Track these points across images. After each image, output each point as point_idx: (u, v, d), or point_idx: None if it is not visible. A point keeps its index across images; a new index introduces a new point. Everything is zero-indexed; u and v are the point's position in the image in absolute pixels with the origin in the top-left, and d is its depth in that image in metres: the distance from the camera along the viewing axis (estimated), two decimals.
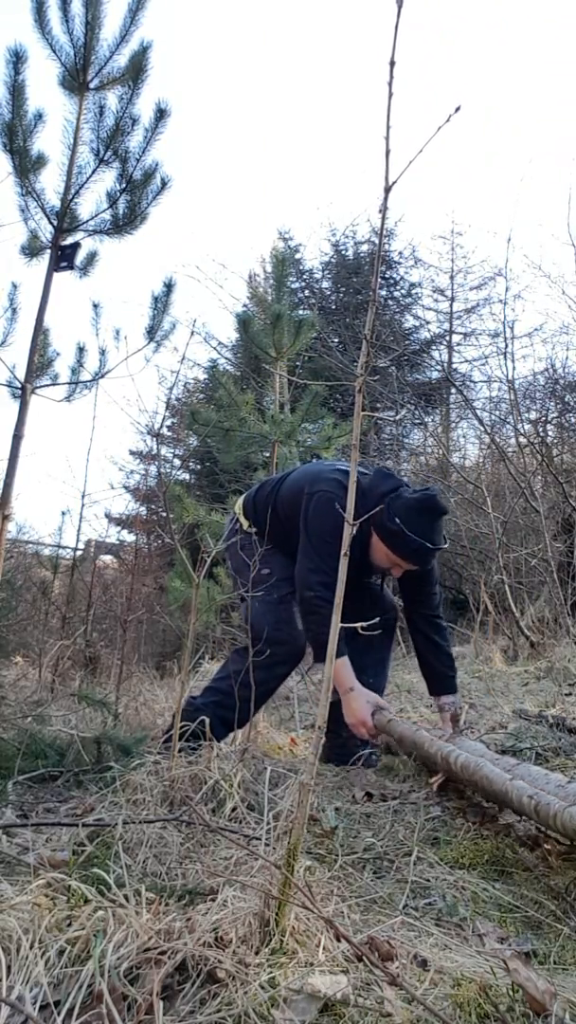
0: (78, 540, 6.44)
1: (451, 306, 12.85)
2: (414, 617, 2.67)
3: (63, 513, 7.26)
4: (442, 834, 1.73)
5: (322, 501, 2.40)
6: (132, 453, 12.63)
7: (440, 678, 2.60)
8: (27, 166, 2.63)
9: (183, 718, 2.41)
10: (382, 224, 1.20)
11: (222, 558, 3.00)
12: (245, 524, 2.67)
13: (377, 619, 2.16)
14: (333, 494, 2.38)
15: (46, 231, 2.73)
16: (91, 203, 2.75)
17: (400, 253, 12.79)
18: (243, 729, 2.53)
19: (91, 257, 2.86)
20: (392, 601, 2.95)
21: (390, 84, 1.09)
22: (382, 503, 2.37)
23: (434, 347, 12.90)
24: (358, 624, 1.21)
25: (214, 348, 12.45)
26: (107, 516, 11.20)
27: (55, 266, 2.69)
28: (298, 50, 22.64)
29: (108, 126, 2.69)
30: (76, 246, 2.73)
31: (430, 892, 1.40)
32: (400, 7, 1.06)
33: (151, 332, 2.85)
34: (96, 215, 2.75)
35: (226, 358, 12.20)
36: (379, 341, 10.81)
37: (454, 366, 12.46)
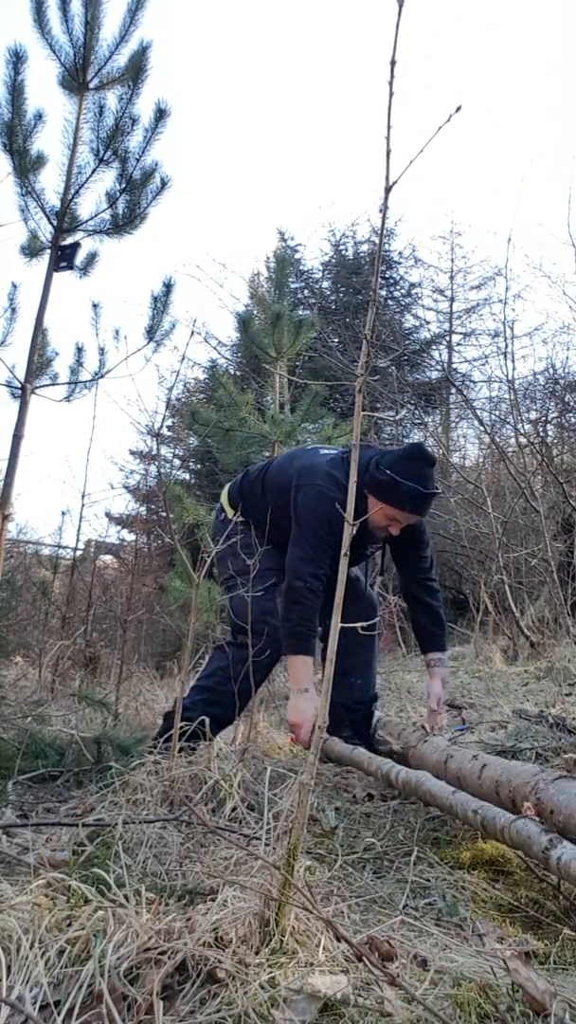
0: (78, 540, 6.44)
1: (451, 306, 12.86)
2: (407, 580, 2.69)
3: (63, 513, 7.27)
4: (442, 834, 1.73)
5: (312, 494, 2.40)
6: (132, 453, 12.63)
7: (429, 636, 2.64)
8: (27, 166, 2.63)
9: (173, 720, 2.42)
10: (382, 224, 1.19)
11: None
12: (230, 513, 2.66)
13: (376, 620, 2.17)
14: (324, 487, 2.39)
15: (46, 231, 2.73)
16: (91, 203, 2.75)
17: (400, 253, 12.80)
18: (243, 729, 2.54)
19: (91, 257, 2.86)
20: (374, 600, 2.96)
21: (391, 84, 1.08)
22: (368, 467, 2.40)
23: (434, 347, 12.91)
24: (357, 624, 1.21)
25: (214, 348, 12.45)
26: (107, 516, 11.20)
27: (55, 266, 2.69)
28: (298, 50, 22.66)
29: (108, 126, 2.69)
30: (76, 246, 2.73)
31: (430, 892, 1.40)
32: (400, 7, 1.06)
33: (151, 332, 2.85)
34: (96, 215, 2.75)
35: (226, 358, 12.20)
36: (379, 341, 10.82)
37: (454, 366, 12.47)
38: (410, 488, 2.35)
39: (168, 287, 2.89)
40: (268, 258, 12.92)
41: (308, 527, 2.39)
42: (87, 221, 2.76)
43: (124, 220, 2.76)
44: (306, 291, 12.92)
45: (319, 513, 2.36)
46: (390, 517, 2.43)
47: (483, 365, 12.11)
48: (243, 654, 2.33)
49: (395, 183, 1.09)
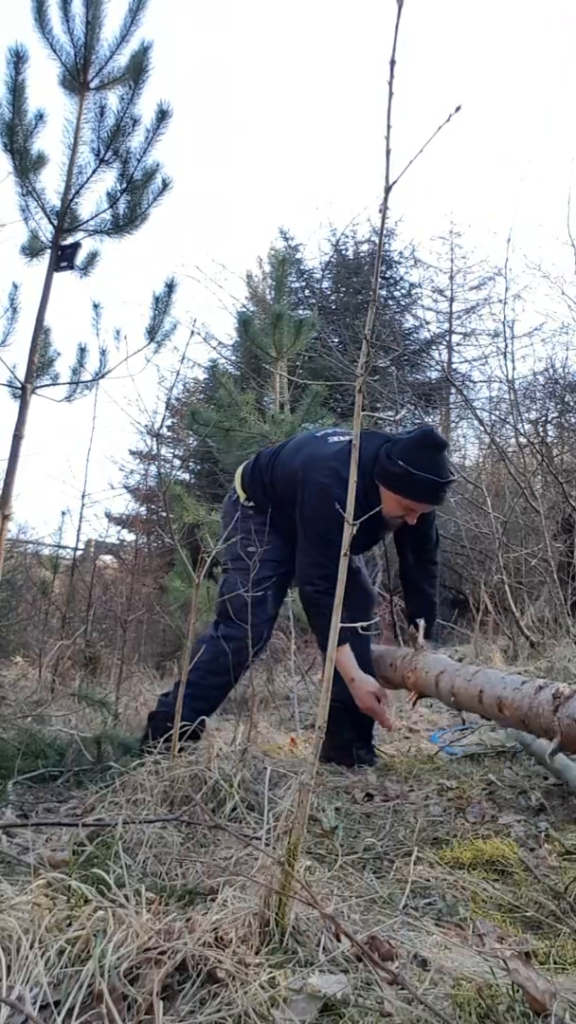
0: (78, 540, 6.43)
1: (451, 306, 12.86)
2: (408, 564, 2.67)
3: (63, 513, 7.27)
4: (442, 834, 1.73)
5: (317, 494, 2.34)
6: (132, 453, 12.63)
7: (417, 617, 2.65)
8: (27, 166, 2.63)
9: (158, 717, 2.41)
10: (382, 224, 1.19)
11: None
12: (242, 496, 2.62)
13: (376, 619, 2.17)
14: (327, 484, 2.31)
15: (46, 231, 2.73)
16: (91, 203, 2.76)
17: (400, 253, 12.80)
18: (243, 729, 2.53)
19: (91, 257, 2.86)
20: (373, 594, 2.95)
21: (390, 84, 1.08)
22: (378, 457, 2.36)
23: (434, 347, 12.91)
24: (357, 624, 1.21)
25: (214, 348, 12.46)
26: (107, 516, 11.20)
27: (55, 266, 2.70)
28: (298, 50, 22.65)
29: (109, 126, 2.69)
30: (76, 246, 2.73)
31: (430, 892, 1.40)
32: (400, 7, 1.06)
33: (151, 332, 2.86)
34: (96, 215, 2.75)
35: (226, 358, 12.20)
36: (379, 341, 10.81)
37: (454, 366, 12.47)
38: (425, 479, 2.29)
39: (169, 287, 2.89)
40: (262, 260, 12.94)
41: (313, 530, 2.36)
42: (88, 221, 2.76)
43: (125, 220, 2.76)
44: (306, 291, 12.92)
45: (323, 514, 2.30)
46: (405, 507, 2.40)
47: (483, 365, 12.11)
48: (224, 646, 2.33)
49: (395, 183, 1.09)
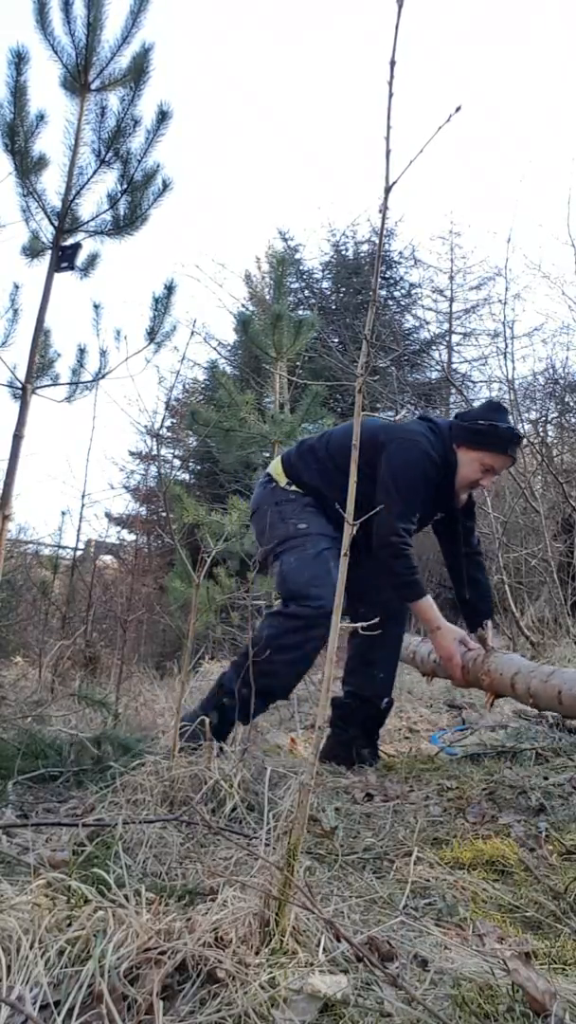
0: (78, 540, 6.45)
1: (451, 306, 12.87)
2: (456, 555, 2.70)
3: (63, 513, 7.28)
4: (442, 834, 1.73)
5: (410, 448, 2.42)
6: (132, 453, 12.64)
7: (477, 614, 2.67)
8: (28, 167, 2.63)
9: (220, 698, 2.36)
10: (382, 224, 1.20)
11: (249, 527, 2.91)
12: (283, 482, 2.58)
13: (375, 620, 2.15)
14: (423, 444, 2.42)
15: (47, 232, 2.73)
16: (92, 204, 2.76)
17: (400, 253, 12.81)
18: (243, 729, 2.53)
19: (92, 258, 2.87)
20: None
21: (390, 84, 1.09)
22: (452, 426, 2.51)
23: (434, 347, 12.92)
24: (357, 624, 1.21)
25: (214, 348, 12.46)
26: (107, 516, 11.21)
27: (56, 267, 2.70)
28: (299, 50, 22.65)
29: (109, 127, 2.70)
30: (77, 247, 2.74)
31: (430, 892, 1.40)
32: (400, 7, 1.06)
33: (152, 333, 2.86)
34: (97, 216, 2.75)
35: (226, 358, 12.20)
36: (379, 341, 10.82)
37: (454, 366, 12.47)
38: (507, 431, 2.46)
39: (169, 289, 2.89)
40: (262, 260, 12.93)
41: (405, 481, 2.39)
42: (88, 222, 2.76)
43: (125, 221, 2.76)
44: (306, 291, 12.92)
45: (419, 469, 2.40)
46: (486, 467, 2.49)
47: (483, 365, 12.12)
48: (291, 623, 2.28)
49: (395, 183, 1.09)
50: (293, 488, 2.55)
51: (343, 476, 2.44)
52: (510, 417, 2.57)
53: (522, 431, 2.78)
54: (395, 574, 2.39)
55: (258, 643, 2.32)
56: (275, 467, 2.66)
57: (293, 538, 2.39)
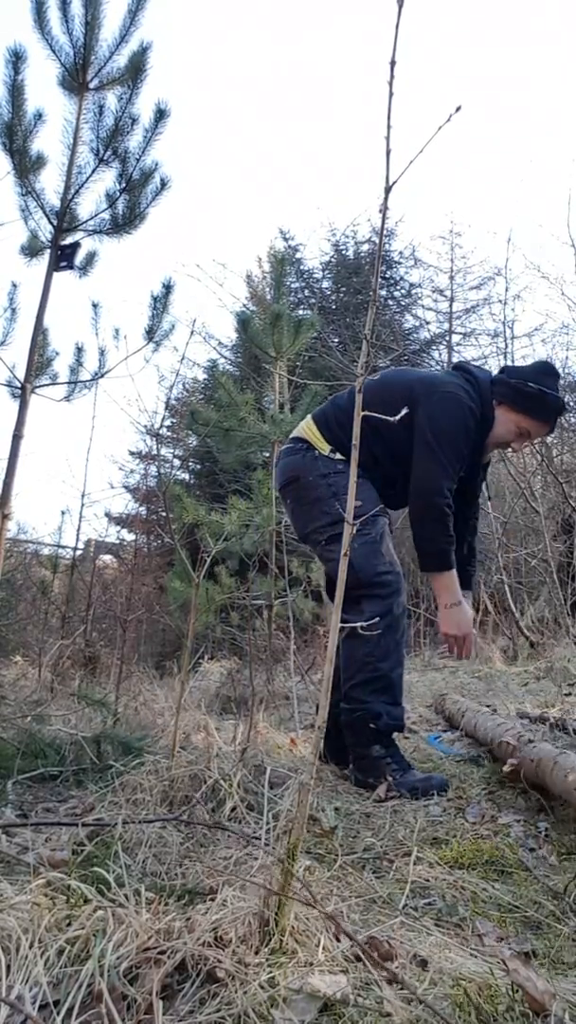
0: (78, 540, 6.45)
1: (451, 306, 12.85)
2: (461, 520, 2.49)
3: (63, 513, 7.28)
4: (442, 834, 1.73)
5: (451, 400, 2.25)
6: (132, 453, 12.64)
7: (465, 575, 2.50)
8: (27, 166, 2.63)
9: (369, 726, 2.18)
10: (382, 224, 1.20)
11: (284, 497, 2.54)
12: (326, 449, 2.34)
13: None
14: (461, 395, 2.26)
15: (46, 231, 2.73)
16: (91, 203, 2.76)
17: (400, 253, 12.81)
18: (243, 729, 2.52)
19: (91, 257, 2.87)
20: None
21: (390, 84, 1.08)
22: (496, 380, 2.35)
23: (434, 347, 12.91)
24: (358, 624, 1.21)
25: (214, 348, 12.46)
26: (107, 516, 11.21)
27: (55, 266, 2.70)
28: (299, 50, 22.65)
29: (108, 126, 2.70)
30: (76, 246, 2.74)
31: (430, 892, 1.40)
32: (400, 7, 1.06)
33: (150, 332, 2.86)
34: (96, 215, 2.75)
35: (226, 358, 12.20)
36: (379, 341, 10.82)
37: None
38: (556, 400, 2.33)
39: (168, 288, 2.89)
40: (262, 260, 12.93)
41: (447, 436, 2.23)
42: (87, 221, 2.76)
43: (124, 220, 2.76)
44: (306, 291, 12.92)
45: (459, 422, 2.24)
46: (523, 431, 2.36)
47: (483, 365, 12.10)
48: (385, 621, 2.17)
49: (395, 183, 1.09)
50: (339, 456, 2.32)
51: (379, 440, 2.26)
52: (560, 383, 2.39)
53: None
54: (429, 539, 2.23)
55: (355, 664, 2.21)
56: (310, 431, 2.40)
57: (353, 518, 2.30)
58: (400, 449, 2.29)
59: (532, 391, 2.31)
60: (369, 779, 2.14)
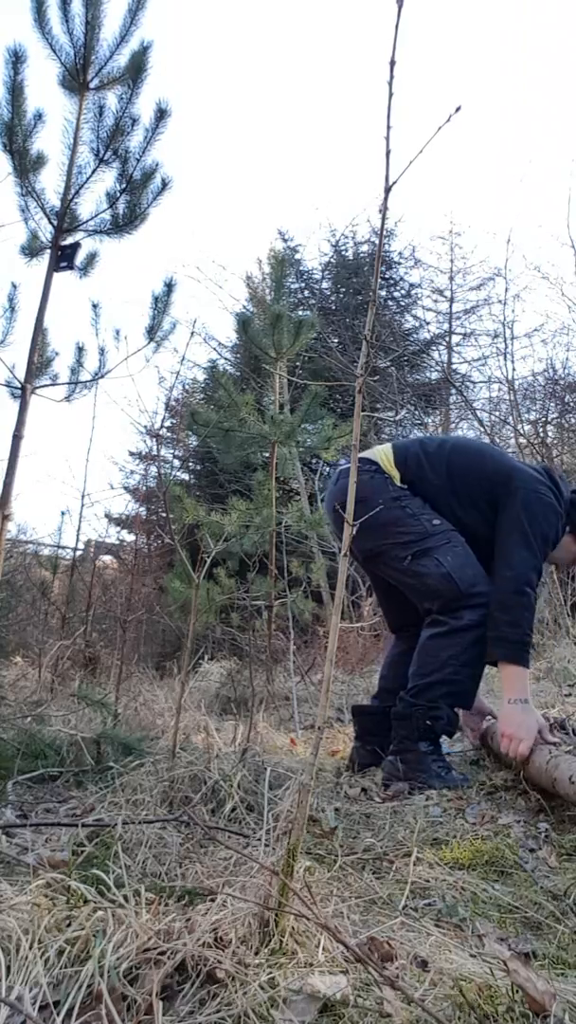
0: (78, 540, 6.45)
1: (451, 306, 12.85)
2: None
3: (63, 513, 7.28)
4: (442, 834, 1.73)
5: (544, 504, 2.32)
6: (132, 453, 12.63)
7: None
8: (27, 166, 2.63)
9: (419, 718, 2.20)
10: (382, 224, 1.19)
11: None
12: (396, 477, 2.41)
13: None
14: (552, 503, 2.33)
15: (46, 231, 2.73)
16: (91, 203, 2.76)
17: (400, 253, 12.80)
18: (243, 729, 2.52)
19: (91, 257, 2.87)
20: None
21: (390, 84, 1.08)
22: (573, 504, 2.40)
23: (434, 347, 12.90)
24: (357, 624, 1.20)
25: (214, 348, 12.46)
26: (107, 516, 11.20)
27: (55, 266, 2.70)
28: (298, 50, 22.66)
29: (108, 126, 2.70)
30: (76, 246, 2.74)
31: (430, 892, 1.40)
32: (400, 7, 1.06)
33: (151, 332, 2.86)
34: (96, 215, 2.75)
35: (226, 358, 12.20)
36: (379, 341, 10.82)
37: (454, 367, 12.46)
38: None
39: (169, 287, 2.89)
40: (262, 261, 12.93)
41: (539, 535, 2.29)
42: (87, 221, 2.76)
43: (124, 220, 2.76)
44: (306, 291, 12.92)
45: (548, 526, 2.31)
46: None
47: (483, 366, 12.11)
48: (475, 633, 2.20)
49: (395, 183, 1.09)
50: (404, 487, 2.41)
51: (460, 504, 2.36)
52: None
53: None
54: (516, 625, 2.20)
55: (435, 662, 2.22)
56: (385, 457, 2.45)
57: (433, 535, 2.29)
58: (473, 525, 2.38)
59: None
60: (412, 772, 2.16)
